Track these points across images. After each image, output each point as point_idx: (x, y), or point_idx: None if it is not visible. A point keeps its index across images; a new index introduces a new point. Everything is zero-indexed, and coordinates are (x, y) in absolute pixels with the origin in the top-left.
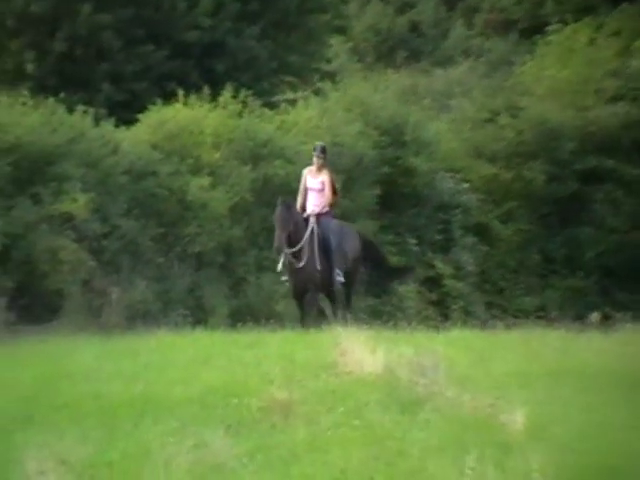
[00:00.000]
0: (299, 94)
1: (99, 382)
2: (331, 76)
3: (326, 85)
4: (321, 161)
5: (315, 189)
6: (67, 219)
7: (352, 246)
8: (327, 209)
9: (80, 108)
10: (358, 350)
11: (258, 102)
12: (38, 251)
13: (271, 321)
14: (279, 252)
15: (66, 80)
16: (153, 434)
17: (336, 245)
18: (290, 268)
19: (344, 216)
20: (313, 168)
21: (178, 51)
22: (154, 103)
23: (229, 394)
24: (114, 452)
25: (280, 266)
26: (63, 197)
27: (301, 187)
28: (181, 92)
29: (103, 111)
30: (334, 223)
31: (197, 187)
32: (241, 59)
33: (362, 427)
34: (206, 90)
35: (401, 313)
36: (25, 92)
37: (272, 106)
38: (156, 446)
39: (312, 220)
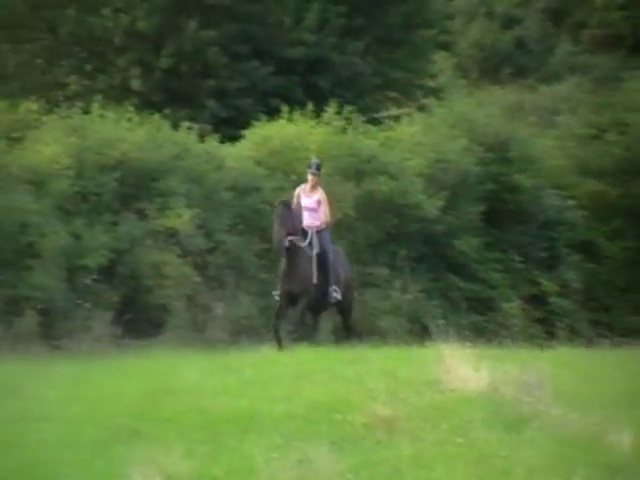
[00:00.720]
0: (403, 110)
1: (204, 397)
2: (435, 92)
3: (430, 101)
4: (316, 179)
5: (309, 207)
6: (172, 234)
7: (344, 268)
8: (324, 226)
9: (185, 124)
10: (462, 367)
11: (362, 118)
12: (143, 266)
13: (374, 337)
14: (280, 246)
15: (171, 96)
16: (257, 449)
17: (332, 261)
18: (285, 274)
19: (448, 233)
20: (307, 186)
21: (282, 67)
22: (258, 119)
23: (333, 410)
24: (219, 467)
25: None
26: (168, 212)
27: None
28: (285, 108)
29: (208, 127)
30: (330, 240)
31: None
32: (345, 75)
33: (466, 445)
34: (310, 106)
35: (505, 331)
36: (131, 108)
37: (376, 122)
38: (260, 462)
39: (311, 232)
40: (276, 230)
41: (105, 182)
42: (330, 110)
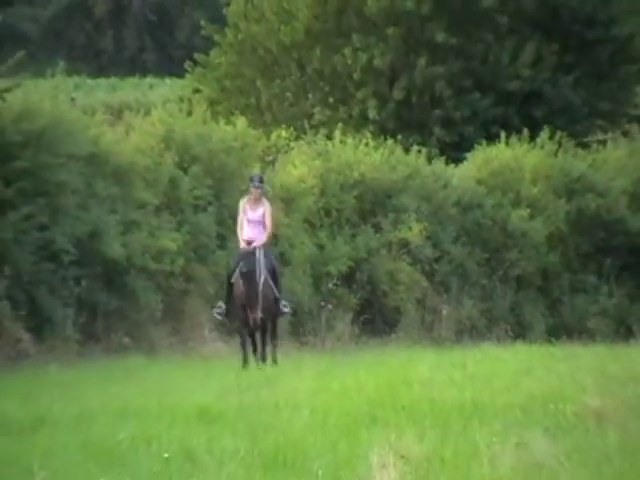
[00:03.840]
0: (609, 135)
1: (433, 388)
2: (639, 119)
3: (634, 127)
4: (259, 191)
5: (255, 221)
6: (404, 245)
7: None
8: (268, 241)
9: (415, 148)
10: None
11: (572, 142)
12: (379, 273)
13: (583, 336)
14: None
15: (403, 124)
16: (480, 435)
17: (279, 276)
18: (249, 302)
19: None
20: (250, 198)
21: (501, 99)
22: (480, 144)
23: (547, 401)
24: (447, 449)
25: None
26: (400, 226)
27: (239, 219)
28: (503, 134)
29: (435, 151)
30: (274, 254)
31: (517, 218)
32: (557, 105)
33: None
34: (525, 132)
35: None
36: (368, 135)
37: (584, 146)
38: (483, 445)
39: (259, 252)
40: (252, 315)
41: (346, 199)
42: (543, 136)
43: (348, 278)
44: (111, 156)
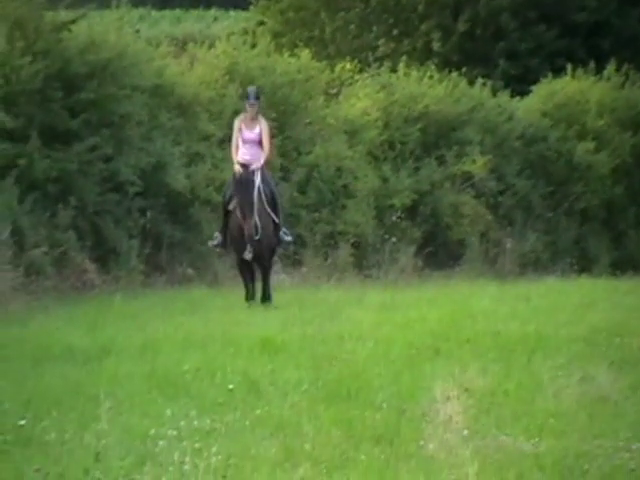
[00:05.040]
0: None
1: (497, 322)
2: None
3: None
4: (255, 108)
5: (250, 140)
6: (467, 178)
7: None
8: (266, 163)
9: (479, 81)
10: None
11: (639, 75)
12: (442, 206)
13: None
14: (251, 241)
15: (467, 56)
16: (544, 368)
17: (280, 203)
18: (241, 233)
19: None
20: (247, 116)
21: (567, 30)
22: (545, 76)
23: (612, 334)
24: (510, 382)
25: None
26: (464, 159)
27: (234, 139)
28: (569, 67)
29: (500, 83)
30: (272, 178)
31: (583, 150)
32: (624, 37)
33: None
34: (591, 65)
35: None
36: (432, 67)
37: None
38: (547, 379)
39: (257, 177)
40: (248, 222)
41: (409, 132)
42: (610, 68)
43: (411, 211)
44: (175, 88)
